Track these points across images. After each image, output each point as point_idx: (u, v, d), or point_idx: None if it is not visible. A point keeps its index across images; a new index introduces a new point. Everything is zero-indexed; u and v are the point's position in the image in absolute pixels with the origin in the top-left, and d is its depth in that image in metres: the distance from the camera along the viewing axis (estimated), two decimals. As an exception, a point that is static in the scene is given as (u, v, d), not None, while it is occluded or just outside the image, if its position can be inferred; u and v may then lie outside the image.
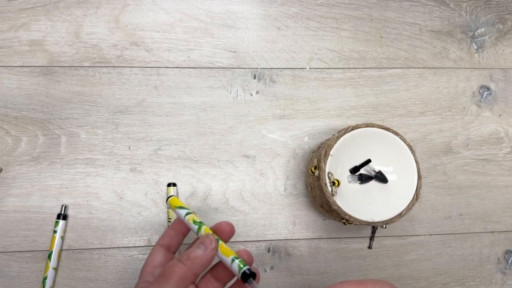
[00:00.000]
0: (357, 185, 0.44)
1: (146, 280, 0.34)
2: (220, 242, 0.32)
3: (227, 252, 0.32)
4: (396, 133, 0.44)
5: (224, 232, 0.34)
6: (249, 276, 0.30)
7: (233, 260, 0.31)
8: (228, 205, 0.50)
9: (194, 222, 0.34)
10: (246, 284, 0.30)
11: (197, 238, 0.34)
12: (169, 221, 0.48)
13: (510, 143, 0.54)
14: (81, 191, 0.49)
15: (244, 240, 0.50)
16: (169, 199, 0.38)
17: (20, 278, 0.47)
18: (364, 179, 0.43)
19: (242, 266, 0.30)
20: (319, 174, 0.43)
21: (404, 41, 0.55)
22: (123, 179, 0.49)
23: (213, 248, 0.31)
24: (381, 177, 0.43)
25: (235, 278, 0.33)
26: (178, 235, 0.36)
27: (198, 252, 0.31)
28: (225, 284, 0.35)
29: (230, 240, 0.49)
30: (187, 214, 0.35)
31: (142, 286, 0.33)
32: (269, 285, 0.49)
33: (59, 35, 0.51)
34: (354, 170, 0.44)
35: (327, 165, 0.42)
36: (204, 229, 0.33)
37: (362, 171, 0.44)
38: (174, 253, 0.37)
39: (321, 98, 0.53)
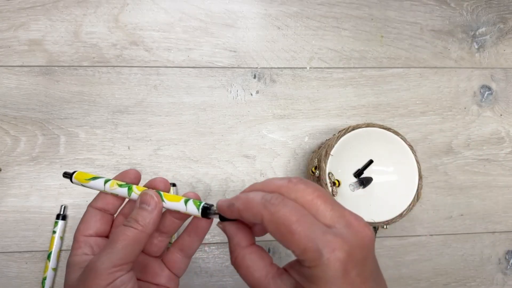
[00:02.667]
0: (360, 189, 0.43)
1: (83, 252, 0.30)
2: (162, 193, 0.30)
3: (175, 199, 0.30)
4: (397, 133, 0.44)
5: (158, 187, 0.31)
6: (208, 208, 0.29)
7: (186, 202, 0.30)
8: (228, 205, 0.50)
9: (120, 185, 0.31)
10: (210, 218, 0.30)
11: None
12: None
13: (511, 143, 0.54)
14: (81, 191, 0.48)
15: (244, 240, 0.50)
16: (74, 175, 0.32)
17: (19, 279, 0.47)
18: (365, 182, 0.43)
19: (198, 203, 0.29)
20: (319, 174, 0.43)
21: (405, 40, 0.55)
22: (123, 179, 0.49)
23: (157, 202, 0.29)
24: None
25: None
26: (114, 196, 0.32)
27: (144, 213, 0.28)
28: (190, 253, 0.33)
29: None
30: (106, 181, 0.31)
31: (79, 259, 0.29)
32: (269, 286, 0.49)
33: (59, 34, 0.50)
34: (358, 173, 0.43)
35: (328, 165, 0.42)
36: (137, 188, 0.31)
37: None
38: (112, 215, 0.33)
39: (321, 98, 0.53)
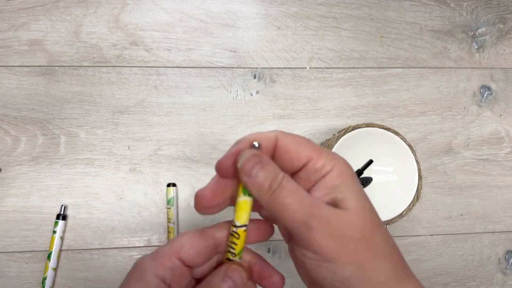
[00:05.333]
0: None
1: (159, 274, 0.24)
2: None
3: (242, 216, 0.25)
4: (397, 133, 0.44)
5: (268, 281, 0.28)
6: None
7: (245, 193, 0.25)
8: (228, 205, 0.50)
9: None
10: None
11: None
12: (168, 222, 0.48)
13: (510, 143, 0.54)
14: (81, 191, 0.48)
15: (244, 240, 0.50)
16: None
17: (19, 278, 0.47)
18: (365, 182, 0.43)
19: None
20: (319, 174, 0.43)
21: (405, 40, 0.55)
22: (123, 179, 0.49)
23: (243, 278, 0.26)
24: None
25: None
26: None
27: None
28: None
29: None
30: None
31: (152, 281, 0.24)
32: (269, 286, 0.49)
33: (59, 34, 0.51)
34: (357, 173, 0.43)
35: (328, 165, 0.42)
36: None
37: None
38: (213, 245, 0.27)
39: (321, 98, 0.53)
